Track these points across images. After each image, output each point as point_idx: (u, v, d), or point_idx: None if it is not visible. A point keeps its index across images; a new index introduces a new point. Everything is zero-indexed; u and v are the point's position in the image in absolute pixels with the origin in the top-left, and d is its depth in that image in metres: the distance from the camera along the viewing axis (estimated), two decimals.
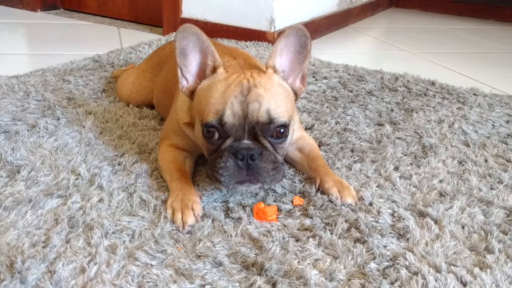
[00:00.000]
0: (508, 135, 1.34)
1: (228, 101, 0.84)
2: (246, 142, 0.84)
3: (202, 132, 0.88)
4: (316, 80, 1.76)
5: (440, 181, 1.05)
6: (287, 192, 0.97)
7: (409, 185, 1.02)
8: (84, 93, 1.48)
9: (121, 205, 0.89)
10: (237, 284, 0.71)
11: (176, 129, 1.04)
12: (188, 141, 1.03)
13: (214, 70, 0.91)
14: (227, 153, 0.83)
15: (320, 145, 1.20)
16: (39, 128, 1.18)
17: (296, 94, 0.96)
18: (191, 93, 0.94)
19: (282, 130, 0.86)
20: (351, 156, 1.15)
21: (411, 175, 1.06)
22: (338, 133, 1.30)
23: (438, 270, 0.75)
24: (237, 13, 2.27)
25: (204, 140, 0.89)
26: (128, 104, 1.40)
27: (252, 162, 0.83)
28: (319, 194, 0.96)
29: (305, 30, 0.88)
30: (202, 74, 0.92)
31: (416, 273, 0.74)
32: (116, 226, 0.82)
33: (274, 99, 0.86)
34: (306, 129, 1.30)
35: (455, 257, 0.79)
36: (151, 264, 0.74)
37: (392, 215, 0.90)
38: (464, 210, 0.93)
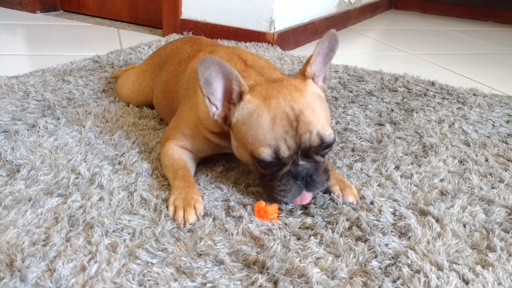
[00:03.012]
0: (508, 135, 1.34)
1: (280, 137, 0.83)
2: (302, 163, 0.86)
3: (253, 162, 0.88)
4: None
5: (441, 180, 1.04)
6: None
7: (410, 184, 1.02)
8: (84, 93, 1.48)
9: (121, 203, 0.88)
10: (239, 282, 0.71)
11: (188, 133, 1.02)
12: (198, 144, 1.02)
13: (241, 95, 0.88)
14: (286, 177, 0.86)
15: None
16: (39, 127, 1.18)
17: None
18: (224, 119, 0.91)
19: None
20: (352, 156, 1.15)
21: (412, 174, 1.06)
22: (338, 132, 1.30)
23: (440, 268, 0.74)
24: (236, 14, 2.27)
25: (257, 168, 0.89)
26: (128, 104, 1.40)
27: (310, 179, 0.86)
28: (320, 193, 0.95)
29: (337, 35, 0.90)
30: (229, 98, 0.89)
31: (418, 271, 0.73)
32: (116, 224, 0.82)
33: (320, 118, 0.86)
34: None
35: (457, 255, 0.78)
36: (151, 263, 0.73)
37: (394, 213, 0.90)
38: (465, 208, 0.92)
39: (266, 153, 0.84)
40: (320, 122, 0.85)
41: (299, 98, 0.86)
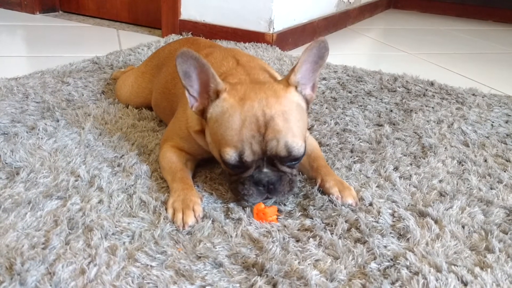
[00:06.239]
0: (507, 135, 1.35)
1: (246, 140, 0.83)
2: (266, 171, 0.86)
3: (220, 161, 0.89)
4: None
5: (440, 181, 1.05)
6: None
7: (409, 185, 1.02)
8: (83, 95, 1.48)
9: (120, 206, 0.89)
10: (238, 285, 0.71)
11: (183, 135, 1.03)
12: (193, 146, 1.02)
13: (218, 93, 0.88)
14: (249, 182, 0.86)
15: (319, 145, 1.20)
16: (38, 129, 1.18)
17: (307, 102, 0.94)
18: (202, 112, 0.92)
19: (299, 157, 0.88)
20: (351, 157, 1.15)
21: (410, 175, 1.06)
22: (337, 133, 1.30)
23: (438, 269, 0.74)
24: (235, 15, 2.27)
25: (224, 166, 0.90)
26: (127, 106, 1.40)
27: (273, 187, 0.87)
28: (319, 194, 0.95)
29: (326, 43, 0.88)
30: (207, 91, 0.90)
31: (417, 273, 0.74)
32: (116, 227, 0.82)
33: (292, 128, 0.85)
34: None
35: (456, 257, 0.79)
36: (151, 265, 0.73)
37: (392, 215, 0.90)
38: (464, 209, 0.93)
39: (230, 155, 0.84)
40: (290, 133, 0.84)
41: (274, 105, 0.85)
